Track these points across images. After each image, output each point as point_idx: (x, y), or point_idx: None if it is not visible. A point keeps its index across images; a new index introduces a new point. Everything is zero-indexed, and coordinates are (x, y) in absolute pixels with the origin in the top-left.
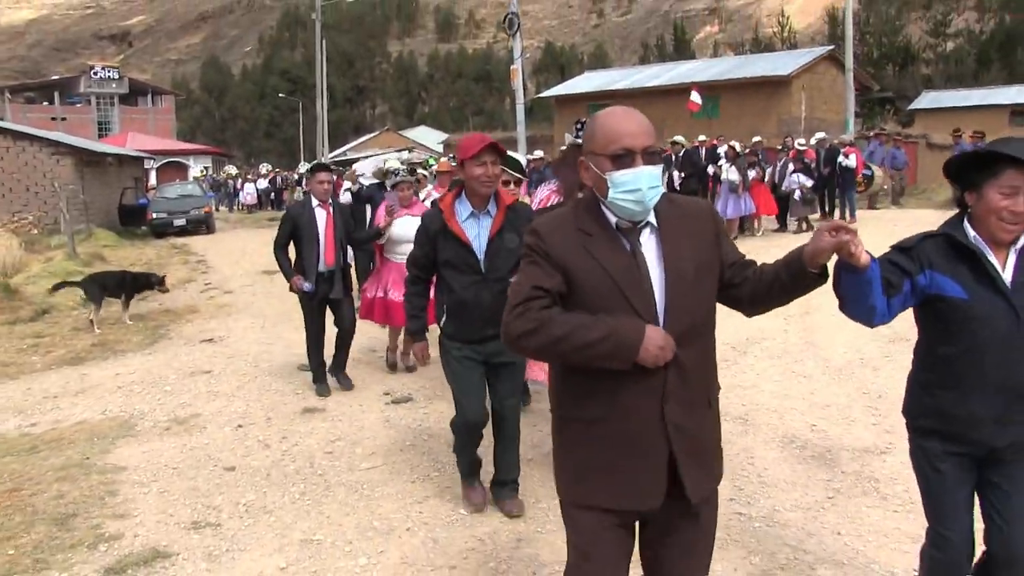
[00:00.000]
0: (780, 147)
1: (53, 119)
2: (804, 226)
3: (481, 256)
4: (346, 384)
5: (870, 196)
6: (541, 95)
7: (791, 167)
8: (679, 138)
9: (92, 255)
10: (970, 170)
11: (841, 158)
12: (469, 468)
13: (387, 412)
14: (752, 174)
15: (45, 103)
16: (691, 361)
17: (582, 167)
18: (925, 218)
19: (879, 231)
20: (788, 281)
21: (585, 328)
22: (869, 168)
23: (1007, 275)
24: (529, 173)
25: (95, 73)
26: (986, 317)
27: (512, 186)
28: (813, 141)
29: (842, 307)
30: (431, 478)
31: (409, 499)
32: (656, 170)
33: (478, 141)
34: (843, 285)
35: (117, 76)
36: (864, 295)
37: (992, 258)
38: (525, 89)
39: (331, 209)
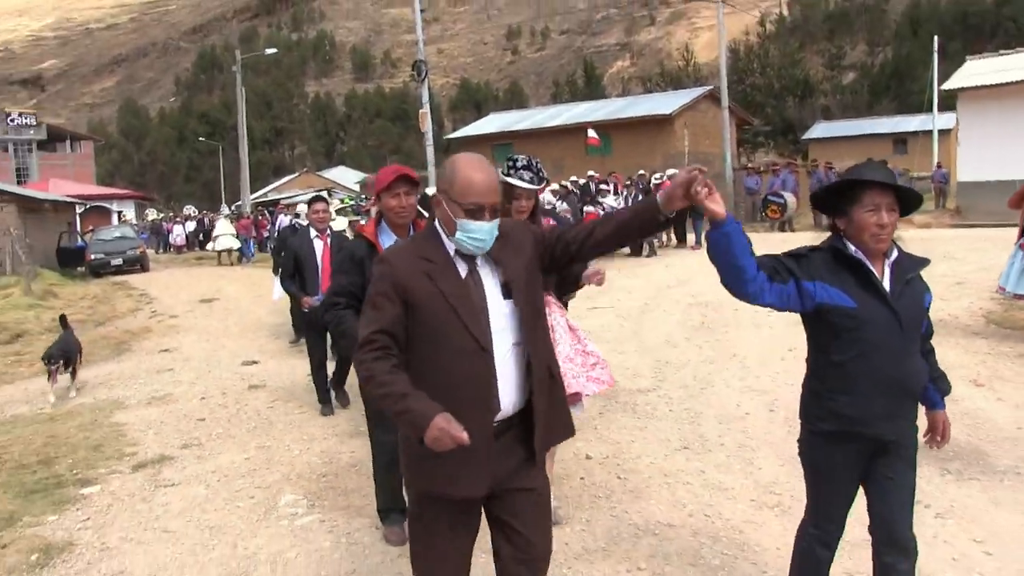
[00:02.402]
0: (628, 181)
1: None
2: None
3: None
4: (344, 400)
5: (785, 221)
6: (448, 136)
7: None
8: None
9: (45, 291)
10: (834, 198)
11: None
12: (388, 503)
13: (308, 381)
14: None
15: None
16: (530, 355)
17: (435, 202)
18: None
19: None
20: (636, 226)
21: (391, 399)
22: (780, 196)
23: (885, 284)
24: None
25: (11, 120)
26: (872, 323)
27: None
28: (669, 174)
29: (722, 280)
30: (339, 420)
31: (327, 427)
32: (495, 224)
33: (391, 173)
34: (711, 248)
35: (34, 122)
36: (730, 254)
37: (872, 269)
38: (442, 126)
39: (328, 239)
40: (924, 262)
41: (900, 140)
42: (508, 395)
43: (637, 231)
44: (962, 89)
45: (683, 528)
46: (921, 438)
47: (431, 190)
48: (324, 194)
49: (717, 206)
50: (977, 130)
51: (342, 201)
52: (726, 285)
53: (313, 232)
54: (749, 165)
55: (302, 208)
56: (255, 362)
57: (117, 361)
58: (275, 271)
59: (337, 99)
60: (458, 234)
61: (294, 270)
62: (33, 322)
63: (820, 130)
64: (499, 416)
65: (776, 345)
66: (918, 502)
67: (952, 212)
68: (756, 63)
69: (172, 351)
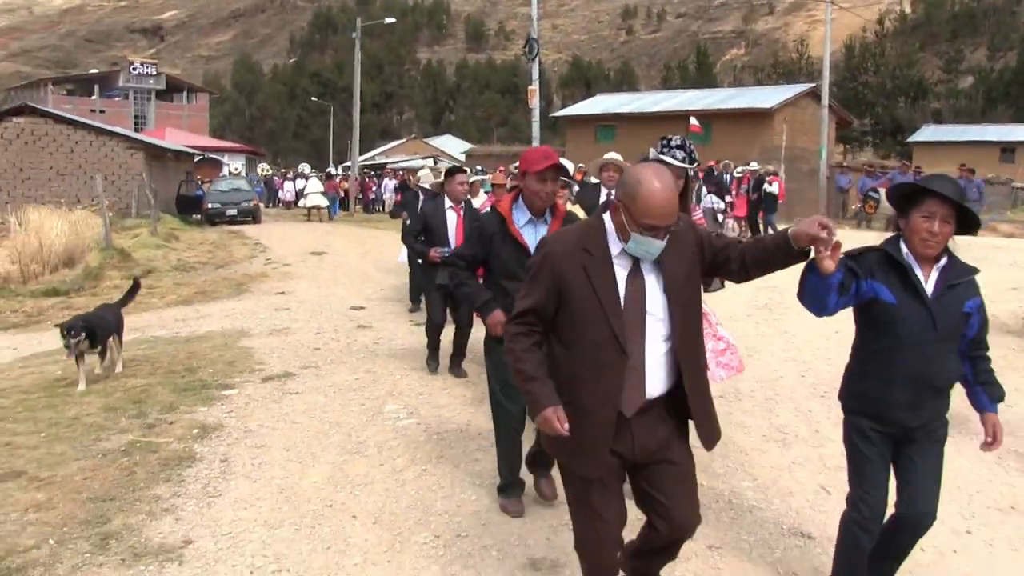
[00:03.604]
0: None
1: (92, 111)
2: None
3: None
4: (460, 374)
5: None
6: (555, 114)
7: (704, 190)
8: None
9: (168, 234)
10: (903, 201)
11: (766, 185)
12: (509, 478)
13: (413, 329)
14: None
15: (84, 95)
16: (683, 349)
17: (614, 209)
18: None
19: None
20: (779, 257)
21: (521, 376)
22: (877, 192)
23: (929, 287)
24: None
25: (134, 69)
26: (906, 319)
27: (561, 188)
28: (739, 171)
29: (799, 296)
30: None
31: (420, 365)
32: (666, 240)
33: (543, 158)
34: (807, 282)
35: (155, 72)
36: (822, 295)
37: (919, 272)
38: (550, 102)
39: (462, 211)
40: (973, 271)
41: (1008, 149)
42: (655, 385)
43: (778, 264)
44: None
45: (700, 449)
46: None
47: (568, 163)
48: (459, 165)
49: (830, 263)
50: None
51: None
52: (805, 306)
53: (448, 203)
54: (844, 164)
55: (423, 173)
56: (362, 308)
57: (238, 299)
58: (402, 238)
59: (448, 68)
60: (631, 243)
61: (420, 233)
62: (161, 260)
63: (927, 133)
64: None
65: (825, 328)
66: None
67: None
68: (871, 61)
69: (287, 294)
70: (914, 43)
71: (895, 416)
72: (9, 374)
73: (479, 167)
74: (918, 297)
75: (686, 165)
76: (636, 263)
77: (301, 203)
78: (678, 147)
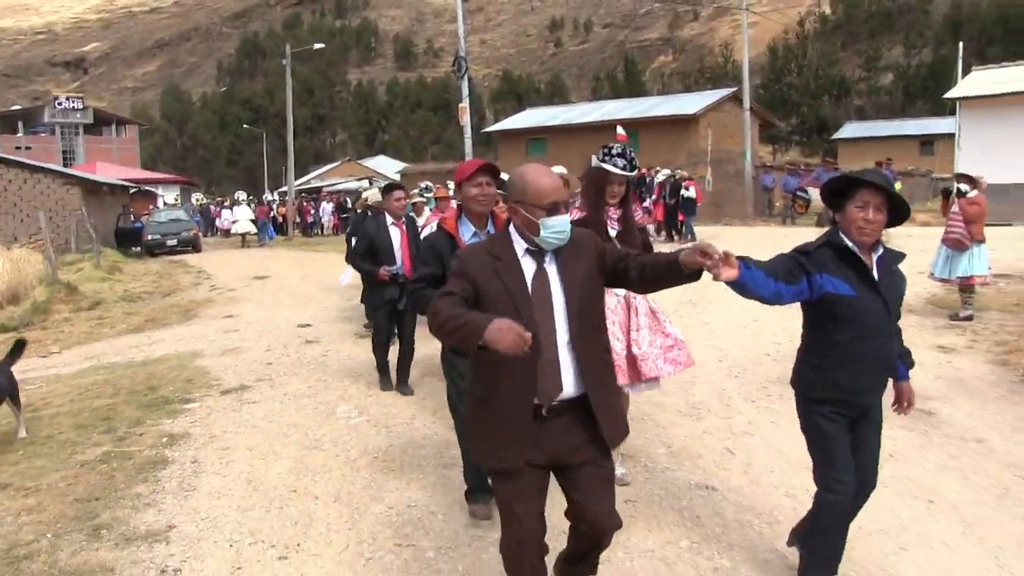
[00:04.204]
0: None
1: (17, 148)
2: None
3: None
4: (407, 391)
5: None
6: (486, 129)
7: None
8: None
9: (111, 267)
10: (836, 196)
11: (683, 190)
12: (476, 482)
13: (358, 341)
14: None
15: (7, 132)
16: (585, 348)
17: (512, 211)
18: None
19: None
20: (671, 277)
21: (453, 320)
22: (807, 192)
23: (876, 274)
24: None
25: (59, 103)
26: (868, 310)
27: (502, 203)
28: (661, 177)
29: (747, 296)
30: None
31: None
32: (568, 216)
33: (473, 164)
34: (737, 290)
35: (81, 106)
36: (750, 292)
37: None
38: (483, 117)
39: (403, 226)
40: (901, 256)
41: (927, 142)
42: (569, 381)
43: (671, 283)
44: (964, 98)
45: None
46: (889, 406)
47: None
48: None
49: (729, 274)
50: (977, 137)
51: (420, 194)
52: (759, 300)
53: (390, 219)
54: (767, 164)
55: (371, 193)
56: (309, 325)
57: (188, 325)
58: (347, 259)
59: (379, 88)
60: (542, 232)
61: (366, 253)
62: (108, 292)
63: (850, 130)
64: (560, 397)
65: (742, 318)
66: None
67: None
68: (794, 63)
69: (234, 316)
70: (835, 43)
71: (863, 400)
72: None
73: (425, 184)
74: (872, 287)
75: (627, 172)
76: (540, 264)
77: (232, 230)
78: (619, 155)
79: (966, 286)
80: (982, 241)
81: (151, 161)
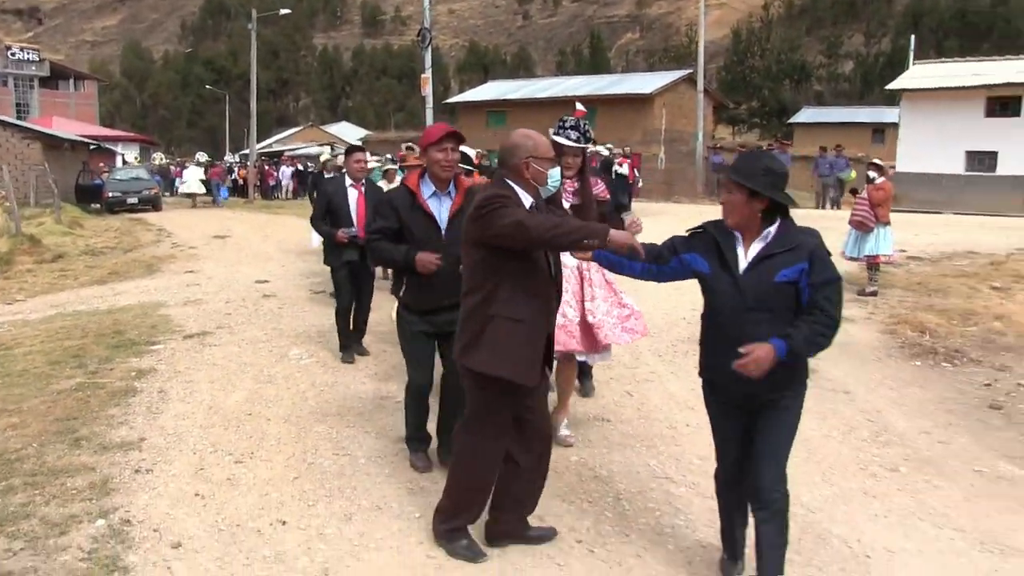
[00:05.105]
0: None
1: None
2: None
3: (443, 230)
4: (361, 351)
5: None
6: (447, 100)
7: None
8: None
9: (72, 222)
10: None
11: (616, 167)
12: (415, 432)
13: (313, 296)
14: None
15: None
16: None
17: (525, 167)
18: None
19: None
20: (575, 242)
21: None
22: None
23: (749, 258)
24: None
25: (12, 53)
26: (718, 289)
27: (463, 176)
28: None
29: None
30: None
31: (324, 316)
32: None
33: (440, 129)
34: (606, 268)
35: (37, 58)
36: (619, 271)
37: (739, 246)
38: (448, 87)
39: (362, 188)
40: (797, 239)
41: (879, 130)
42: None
43: (573, 247)
44: (905, 90)
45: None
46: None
47: (469, 149)
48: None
49: (584, 256)
50: (915, 128)
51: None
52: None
53: (349, 181)
54: (718, 145)
55: (323, 153)
56: (267, 281)
57: (150, 278)
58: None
59: (345, 54)
60: (549, 182)
61: (325, 214)
62: (70, 245)
63: (806, 115)
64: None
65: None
66: None
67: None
68: (757, 46)
69: (195, 272)
70: (799, 28)
71: (725, 381)
72: None
73: (407, 144)
74: (726, 266)
75: (580, 144)
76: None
77: (181, 190)
78: (572, 127)
79: (872, 264)
80: (887, 223)
81: (109, 119)
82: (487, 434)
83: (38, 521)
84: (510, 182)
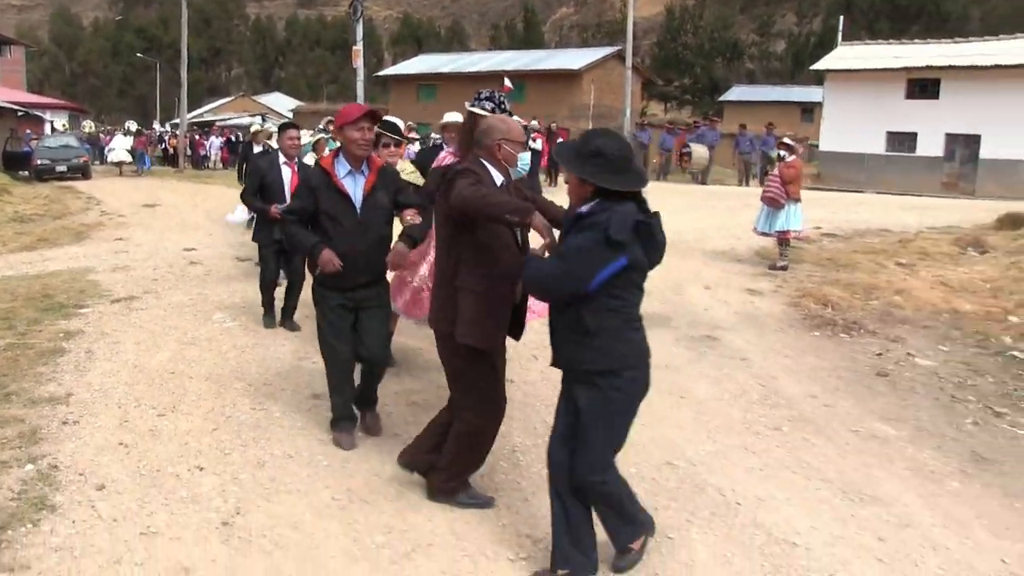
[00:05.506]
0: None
1: None
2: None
3: (358, 209)
4: (294, 327)
5: (697, 173)
6: (377, 74)
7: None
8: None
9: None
10: None
11: (530, 142)
12: (343, 411)
13: (238, 264)
14: None
15: None
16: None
17: (498, 148)
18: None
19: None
20: (502, 214)
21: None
22: (688, 147)
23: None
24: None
25: None
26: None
27: (392, 147)
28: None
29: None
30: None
31: (247, 281)
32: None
33: (357, 109)
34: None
35: None
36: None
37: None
38: (381, 60)
39: (295, 166)
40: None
41: (808, 109)
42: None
43: (500, 219)
44: (829, 70)
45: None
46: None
47: (398, 120)
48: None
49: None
50: (838, 108)
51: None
52: None
53: (282, 158)
54: (646, 122)
55: (255, 125)
56: (194, 249)
57: (79, 245)
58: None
59: (278, 24)
60: (519, 164)
61: (257, 190)
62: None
63: (736, 93)
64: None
65: None
66: None
67: (813, 177)
68: (690, 23)
69: (125, 240)
70: (733, 6)
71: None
72: None
73: (329, 118)
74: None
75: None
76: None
77: (108, 159)
78: (487, 99)
79: (783, 239)
80: (798, 200)
81: (38, 85)
82: (481, 410)
83: None
84: (484, 161)
